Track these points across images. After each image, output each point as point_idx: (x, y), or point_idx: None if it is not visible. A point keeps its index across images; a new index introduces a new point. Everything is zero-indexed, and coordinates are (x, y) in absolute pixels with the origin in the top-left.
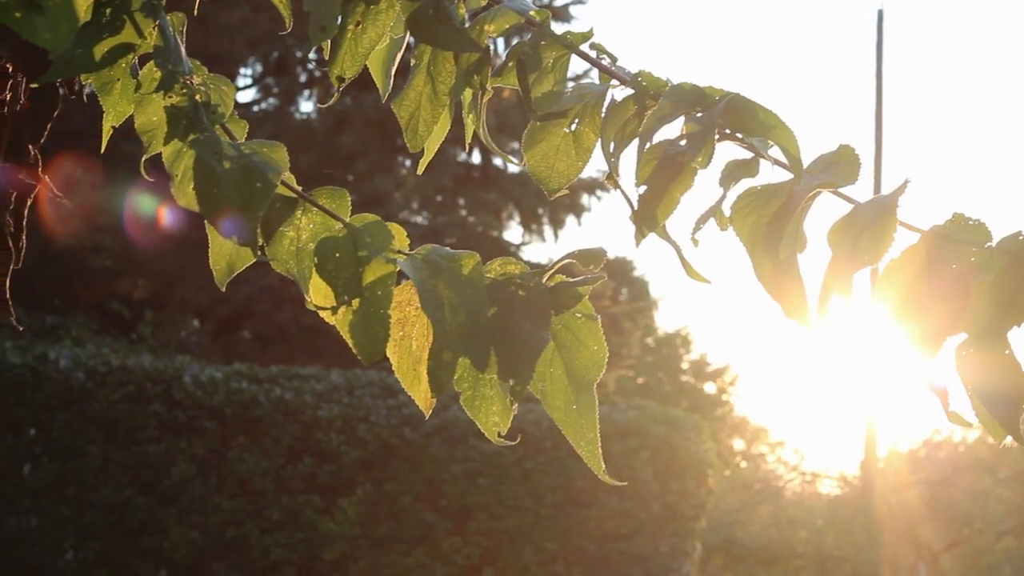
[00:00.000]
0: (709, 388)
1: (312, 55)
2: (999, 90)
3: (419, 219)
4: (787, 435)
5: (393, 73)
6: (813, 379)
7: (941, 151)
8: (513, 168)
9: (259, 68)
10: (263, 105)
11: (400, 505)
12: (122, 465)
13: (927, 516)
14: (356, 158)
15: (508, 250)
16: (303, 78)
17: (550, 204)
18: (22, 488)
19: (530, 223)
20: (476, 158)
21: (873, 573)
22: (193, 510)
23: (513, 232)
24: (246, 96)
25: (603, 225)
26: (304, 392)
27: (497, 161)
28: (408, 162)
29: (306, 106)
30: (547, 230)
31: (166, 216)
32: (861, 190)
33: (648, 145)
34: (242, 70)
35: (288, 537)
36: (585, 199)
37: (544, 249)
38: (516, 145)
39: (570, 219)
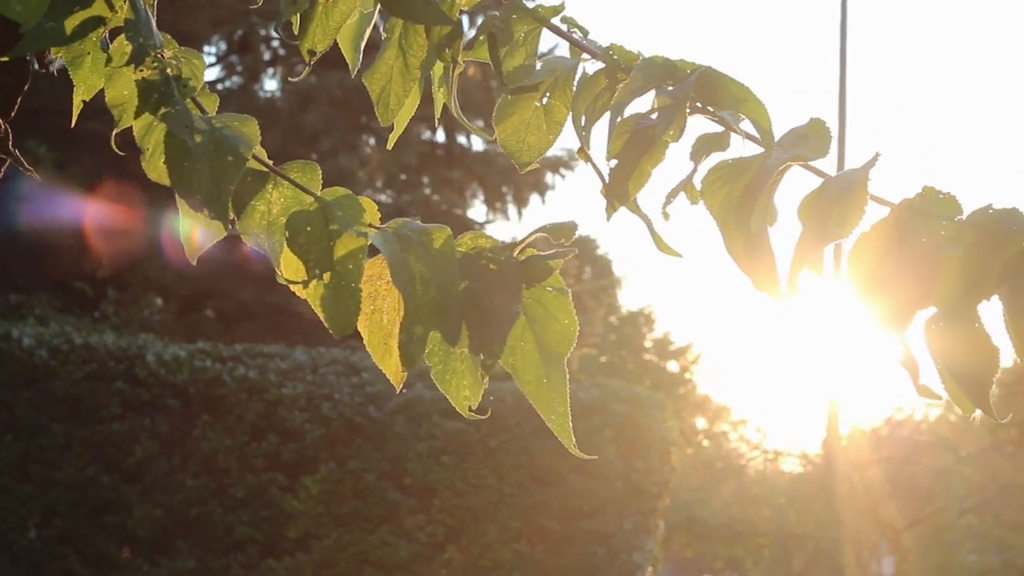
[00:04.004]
0: (672, 367)
1: (278, 31)
2: (962, 63)
3: (383, 197)
4: (750, 413)
5: (362, 48)
6: (776, 358)
7: (906, 124)
8: (477, 146)
9: (223, 46)
10: (227, 83)
11: (364, 483)
12: (86, 443)
13: (889, 494)
14: (320, 136)
15: (472, 228)
16: (267, 56)
17: (514, 182)
18: None
19: (494, 201)
20: (440, 136)
21: (835, 551)
22: (157, 488)
23: (477, 210)
24: (211, 74)
25: (567, 203)
26: (268, 370)
27: (461, 139)
28: (372, 140)
29: (270, 84)
30: (511, 208)
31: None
32: (825, 165)
33: (620, 119)
34: (206, 48)
35: (252, 515)
36: (549, 177)
37: (508, 227)
38: (480, 123)
39: (534, 197)
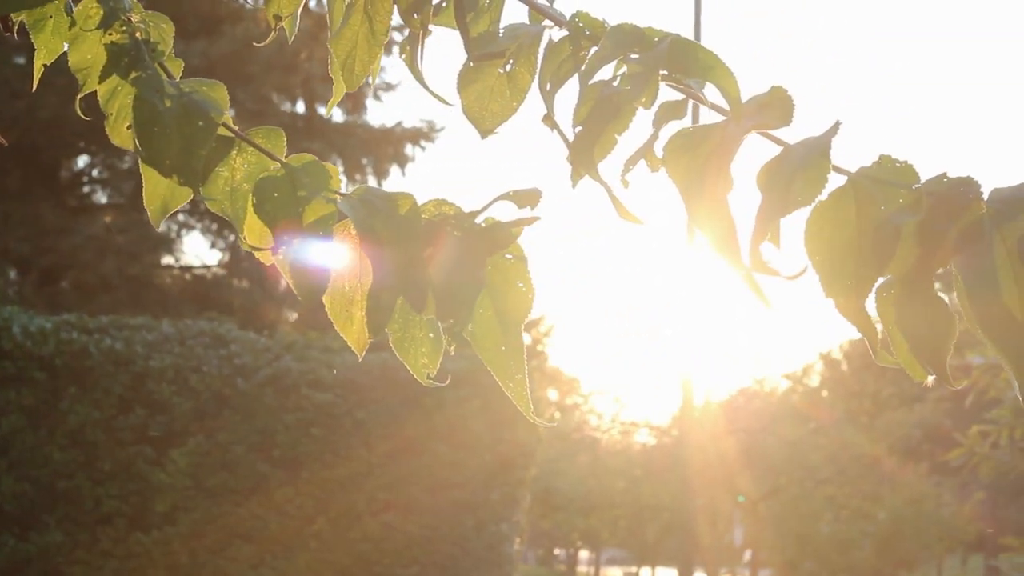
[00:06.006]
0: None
1: None
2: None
3: None
4: (603, 386)
5: (299, 15)
6: (631, 329)
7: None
8: (337, 117)
9: None
10: None
11: (232, 455)
12: None
13: (745, 465)
14: None
15: None
16: None
17: (374, 154)
18: None
19: (354, 173)
20: (300, 107)
21: (689, 522)
22: (23, 461)
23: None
24: None
25: (427, 175)
26: (135, 342)
27: (322, 110)
28: (233, 112)
29: None
30: (371, 180)
31: None
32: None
33: (588, 85)
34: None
35: (119, 488)
36: (409, 149)
37: None
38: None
39: (394, 169)
